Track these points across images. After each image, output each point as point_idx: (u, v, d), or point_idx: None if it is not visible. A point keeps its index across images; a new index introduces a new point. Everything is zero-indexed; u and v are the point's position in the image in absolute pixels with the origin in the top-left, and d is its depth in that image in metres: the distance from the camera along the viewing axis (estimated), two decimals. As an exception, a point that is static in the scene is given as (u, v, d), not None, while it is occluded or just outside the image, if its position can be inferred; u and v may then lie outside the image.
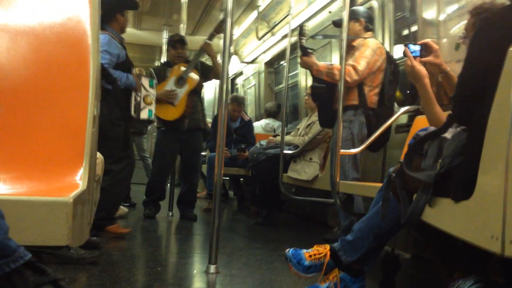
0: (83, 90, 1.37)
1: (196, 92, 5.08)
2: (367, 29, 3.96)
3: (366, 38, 3.87)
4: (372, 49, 3.76)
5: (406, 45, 2.27)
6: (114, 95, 3.70)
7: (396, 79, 4.00)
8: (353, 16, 3.97)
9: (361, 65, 3.70)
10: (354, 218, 3.62)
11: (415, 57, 2.27)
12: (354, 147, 3.67)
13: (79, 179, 1.28)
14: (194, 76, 4.98)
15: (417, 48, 2.30)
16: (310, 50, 3.88)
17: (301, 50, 3.90)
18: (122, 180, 3.88)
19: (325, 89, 3.89)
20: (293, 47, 5.55)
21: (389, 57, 3.92)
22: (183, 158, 5.36)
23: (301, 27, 3.90)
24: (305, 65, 3.95)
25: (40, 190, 1.21)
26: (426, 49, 2.33)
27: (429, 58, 2.32)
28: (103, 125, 3.51)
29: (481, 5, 2.31)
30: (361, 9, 4.12)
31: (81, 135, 1.33)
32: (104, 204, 3.72)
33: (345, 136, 3.71)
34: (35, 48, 1.41)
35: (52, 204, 1.05)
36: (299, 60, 4.12)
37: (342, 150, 3.48)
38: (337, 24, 4.01)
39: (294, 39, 5.19)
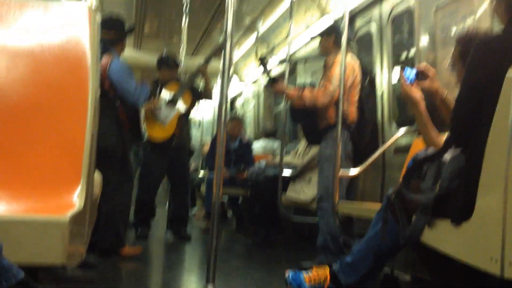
0: (82, 110, 1.37)
1: (186, 113, 5.08)
2: (337, 44, 3.94)
3: (338, 54, 3.83)
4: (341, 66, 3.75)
5: (402, 69, 2.28)
6: (122, 117, 3.76)
7: (373, 91, 4.01)
8: (325, 32, 4.01)
9: (332, 85, 3.71)
10: (328, 238, 3.60)
11: (411, 82, 2.28)
12: (341, 164, 3.64)
13: (76, 198, 1.28)
14: (186, 97, 4.98)
15: (413, 72, 2.31)
16: (279, 78, 3.93)
17: (268, 81, 3.92)
18: (127, 203, 3.88)
19: (301, 110, 3.90)
20: (292, 68, 5.58)
21: (363, 69, 3.92)
22: (170, 176, 5.31)
23: (261, 59, 3.93)
24: (277, 93, 4.00)
25: (37, 208, 1.21)
26: (422, 74, 2.34)
27: (425, 83, 2.34)
28: (109, 145, 3.60)
29: (466, 33, 2.33)
30: (330, 25, 4.16)
31: (79, 154, 1.33)
32: (112, 229, 3.73)
33: (330, 153, 3.70)
34: (34, 69, 1.42)
35: (48, 223, 1.05)
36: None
37: (342, 170, 3.49)
38: (316, 36, 4.08)
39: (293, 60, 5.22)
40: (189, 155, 5.55)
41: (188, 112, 5.18)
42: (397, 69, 4.46)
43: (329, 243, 3.63)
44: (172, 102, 4.90)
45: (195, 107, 5.44)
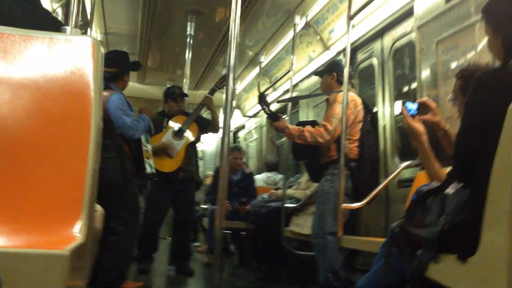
0: (84, 143, 1.37)
1: (193, 144, 5.10)
2: (339, 81, 3.99)
3: (339, 92, 3.86)
4: (342, 103, 3.77)
5: (403, 103, 2.30)
6: (125, 151, 3.76)
7: (375, 129, 4.02)
8: (326, 70, 4.04)
9: (332, 124, 3.72)
10: (329, 275, 3.56)
11: (413, 115, 2.30)
12: (337, 200, 3.62)
13: (77, 232, 1.26)
14: (193, 129, 5.00)
15: (414, 106, 2.33)
16: (279, 115, 3.94)
17: (269, 117, 3.92)
18: (131, 238, 3.86)
19: (304, 148, 3.92)
20: (294, 102, 5.61)
21: (366, 107, 3.94)
22: (176, 209, 5.26)
23: (261, 95, 3.95)
24: (277, 130, 4.00)
25: (37, 242, 1.20)
26: (424, 108, 2.36)
27: (427, 116, 2.35)
28: (114, 180, 3.61)
29: (466, 67, 2.36)
30: (333, 62, 4.20)
31: (80, 187, 1.32)
32: (116, 263, 3.71)
33: (328, 189, 3.70)
34: (38, 101, 1.42)
35: (48, 256, 1.03)
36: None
37: (344, 205, 3.47)
38: (315, 73, 4.12)
39: (295, 93, 5.25)
40: (197, 187, 5.52)
41: (195, 144, 5.19)
42: (399, 102, 4.48)
43: (331, 279, 3.58)
44: (179, 134, 4.92)
45: (201, 140, 5.46)
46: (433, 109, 2.36)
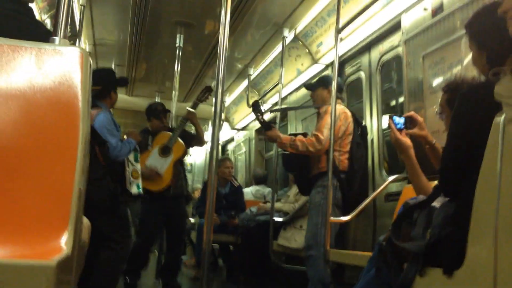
0: (71, 154, 1.37)
1: (180, 161, 5.06)
2: (337, 97, 4.02)
3: (320, 106, 3.95)
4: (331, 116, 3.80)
5: (391, 118, 2.31)
6: (115, 171, 3.73)
7: (364, 142, 4.05)
8: (322, 83, 4.07)
9: (324, 134, 3.74)
10: (319, 285, 3.55)
11: (400, 129, 2.31)
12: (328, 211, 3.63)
13: (64, 244, 1.25)
14: (180, 145, 4.97)
15: (401, 120, 2.35)
16: (272, 124, 3.96)
17: (262, 125, 3.93)
18: (123, 256, 3.81)
19: (295, 159, 3.93)
20: (283, 115, 5.63)
21: (356, 120, 3.98)
22: (168, 225, 5.21)
23: (256, 103, 3.96)
24: (270, 139, 4.00)
25: (22, 254, 1.18)
26: (411, 122, 2.38)
27: (414, 131, 2.37)
28: (103, 200, 3.57)
29: (452, 81, 2.38)
30: (329, 76, 4.22)
31: (67, 198, 1.31)
32: (107, 279, 3.67)
33: (319, 201, 3.72)
34: (25, 111, 1.42)
35: (35, 267, 1.02)
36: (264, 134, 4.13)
37: (332, 218, 3.47)
38: (307, 87, 4.14)
39: (284, 106, 5.27)
40: (187, 201, 5.47)
41: (181, 159, 5.16)
42: (386, 117, 4.51)
43: None
44: (165, 151, 4.88)
45: (187, 154, 5.44)
46: (420, 123, 2.38)
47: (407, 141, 2.28)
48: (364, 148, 4.03)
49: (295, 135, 3.95)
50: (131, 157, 4.07)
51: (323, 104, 3.99)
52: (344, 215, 3.72)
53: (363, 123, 4.38)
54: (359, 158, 3.92)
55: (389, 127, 2.31)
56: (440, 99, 2.41)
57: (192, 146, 5.34)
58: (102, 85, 3.91)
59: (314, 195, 3.78)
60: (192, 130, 5.38)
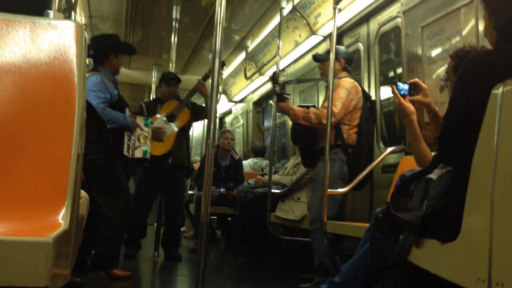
0: (68, 129, 1.36)
1: (184, 130, 5.06)
2: (344, 69, 4.01)
3: (341, 78, 3.92)
4: (346, 88, 3.80)
5: (394, 84, 2.30)
6: (107, 135, 3.72)
7: (373, 117, 4.04)
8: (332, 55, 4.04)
9: (337, 107, 3.73)
10: (325, 259, 3.59)
11: (404, 95, 2.29)
12: (335, 185, 3.65)
13: (61, 219, 1.26)
14: (185, 114, 4.98)
15: (405, 86, 2.33)
16: (286, 95, 3.94)
17: (276, 96, 3.93)
18: (121, 219, 3.84)
19: (303, 131, 3.92)
20: (281, 87, 5.59)
21: (365, 95, 3.97)
22: (166, 196, 5.23)
23: (274, 74, 3.95)
24: (281, 111, 3.99)
25: (20, 230, 1.19)
26: (415, 88, 2.36)
27: (418, 97, 2.35)
28: (98, 163, 3.58)
29: (461, 48, 2.36)
30: (342, 49, 4.18)
31: (65, 173, 1.31)
32: (107, 246, 3.71)
33: (324, 174, 3.72)
34: (21, 86, 1.41)
35: (32, 244, 1.03)
36: (275, 106, 4.14)
37: (329, 190, 3.49)
38: (317, 58, 4.10)
39: (282, 79, 5.24)
40: (188, 174, 5.47)
41: (186, 130, 5.16)
42: (384, 88, 4.50)
43: (327, 264, 3.61)
44: (171, 118, 4.90)
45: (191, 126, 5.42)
46: (424, 90, 2.36)
47: (410, 106, 2.27)
48: (372, 123, 4.03)
49: (306, 107, 3.95)
50: (141, 122, 4.10)
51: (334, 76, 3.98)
52: (355, 190, 3.76)
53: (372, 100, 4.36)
54: (368, 132, 3.94)
55: (393, 92, 2.29)
56: (447, 65, 2.39)
57: (201, 119, 5.34)
58: (95, 49, 3.90)
59: (320, 168, 3.77)
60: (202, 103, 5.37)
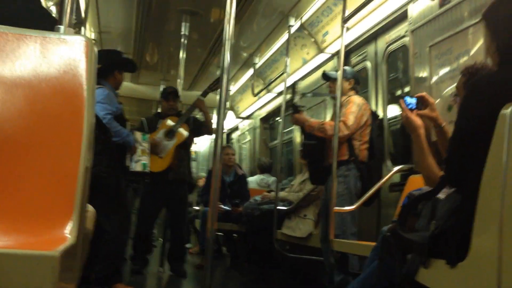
0: (76, 143, 1.37)
1: (184, 146, 5.07)
2: (354, 88, 4.10)
3: (350, 95, 3.97)
4: (357, 104, 3.88)
5: (402, 98, 2.30)
6: (112, 147, 3.74)
7: (381, 133, 4.08)
8: (344, 75, 4.06)
9: (350, 120, 3.78)
10: (347, 275, 3.57)
11: (411, 109, 2.29)
12: (351, 201, 3.67)
13: (68, 233, 1.26)
14: (184, 130, 4.99)
15: (413, 101, 2.33)
16: (301, 108, 3.97)
17: (292, 107, 3.99)
18: (122, 234, 3.85)
19: (314, 146, 3.94)
20: (288, 104, 5.61)
21: (373, 113, 4.02)
22: (168, 211, 5.25)
23: (294, 85, 4.00)
24: (297, 122, 4.03)
25: (27, 243, 1.19)
26: (422, 102, 2.36)
27: (425, 111, 2.35)
28: (101, 176, 3.60)
29: (472, 65, 2.36)
30: (349, 69, 4.25)
31: (72, 187, 1.32)
32: (110, 260, 3.71)
33: (342, 191, 3.73)
34: (31, 100, 1.42)
35: (39, 257, 1.02)
36: (290, 117, 4.19)
37: (336, 208, 3.48)
38: (327, 76, 4.14)
39: (289, 96, 5.26)
40: (190, 189, 5.47)
41: (187, 145, 5.18)
42: (392, 107, 4.50)
43: (349, 280, 3.59)
44: (170, 134, 4.91)
45: (193, 142, 5.44)
46: (431, 105, 2.36)
47: (418, 120, 2.27)
48: (381, 140, 4.07)
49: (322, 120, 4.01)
50: (138, 136, 4.14)
51: (342, 95, 4.01)
52: (364, 206, 3.76)
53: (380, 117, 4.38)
54: (379, 148, 3.98)
55: (401, 106, 2.30)
56: (457, 82, 2.39)
57: (201, 135, 5.35)
58: (103, 63, 3.95)
59: (336, 185, 3.77)
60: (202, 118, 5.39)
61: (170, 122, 4.97)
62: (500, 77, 1.71)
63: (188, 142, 5.12)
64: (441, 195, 1.90)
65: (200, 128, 5.16)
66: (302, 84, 6.38)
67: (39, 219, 1.29)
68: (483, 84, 1.72)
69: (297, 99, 3.95)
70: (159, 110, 6.40)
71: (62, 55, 1.51)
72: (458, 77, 3.05)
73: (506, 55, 1.74)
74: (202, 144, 11.16)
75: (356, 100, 3.91)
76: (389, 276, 2.05)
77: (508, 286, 1.28)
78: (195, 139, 5.85)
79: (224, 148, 6.61)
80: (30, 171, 1.36)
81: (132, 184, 6.04)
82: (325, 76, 4.24)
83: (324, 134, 3.85)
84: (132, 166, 4.06)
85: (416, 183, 3.06)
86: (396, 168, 3.77)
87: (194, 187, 5.51)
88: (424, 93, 2.43)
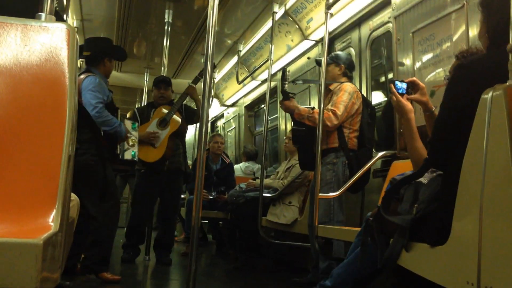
0: (59, 131, 1.36)
1: (178, 134, 5.04)
2: (345, 74, 4.04)
3: (342, 82, 3.94)
4: (349, 93, 3.83)
5: (392, 82, 2.31)
6: (100, 136, 3.74)
7: (373, 122, 4.07)
8: (335, 60, 4.05)
9: (340, 110, 3.76)
10: (332, 261, 3.60)
11: (401, 94, 2.30)
12: (339, 189, 3.67)
13: (51, 221, 1.25)
14: (177, 118, 4.96)
15: (403, 85, 2.34)
16: (291, 94, 3.94)
17: (282, 94, 3.95)
18: (110, 222, 3.85)
19: (305, 132, 3.93)
20: (273, 91, 5.62)
21: (365, 100, 4.00)
22: (162, 200, 5.25)
23: (284, 71, 3.96)
24: (286, 109, 4.00)
25: (10, 231, 1.19)
26: (412, 87, 2.37)
27: (416, 96, 2.36)
28: (89, 164, 3.59)
29: (467, 49, 2.38)
30: (343, 54, 4.20)
31: (55, 176, 1.31)
32: (97, 249, 3.71)
33: (330, 178, 3.74)
34: (12, 88, 1.40)
35: (21, 246, 1.02)
36: (279, 104, 4.17)
37: (320, 194, 3.50)
38: (319, 63, 4.12)
39: (273, 83, 5.25)
40: (186, 178, 5.41)
41: (182, 134, 5.15)
42: (376, 93, 4.52)
43: (334, 266, 3.62)
44: (163, 123, 4.88)
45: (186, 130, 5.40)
46: (421, 89, 2.37)
47: (408, 104, 2.28)
48: (373, 128, 4.06)
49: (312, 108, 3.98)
50: (128, 125, 4.13)
51: (333, 81, 4.00)
52: (351, 192, 3.78)
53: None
54: (371, 138, 3.97)
55: (391, 91, 2.30)
56: (451, 65, 2.41)
57: (195, 123, 5.31)
58: (93, 51, 3.94)
59: (324, 172, 3.78)
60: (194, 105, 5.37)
61: (165, 111, 4.93)
62: (486, 60, 1.73)
63: (181, 130, 5.08)
64: (424, 180, 1.92)
65: (193, 116, 5.13)
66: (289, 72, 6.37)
67: (22, 207, 1.29)
68: (469, 67, 1.73)
69: (286, 85, 3.89)
70: (146, 101, 6.35)
71: (43, 42, 1.50)
72: (441, 62, 3.09)
73: (494, 39, 1.75)
74: (187, 133, 11.11)
75: (348, 88, 3.87)
76: (372, 260, 2.08)
77: (487, 268, 1.31)
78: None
79: (214, 136, 6.60)
80: (12, 160, 1.35)
81: (120, 172, 6.02)
82: (318, 63, 4.23)
83: (313, 124, 3.83)
84: (121, 154, 4.06)
85: (399, 169, 3.09)
86: (379, 154, 3.80)
87: (189, 176, 5.42)
88: (414, 78, 2.44)
